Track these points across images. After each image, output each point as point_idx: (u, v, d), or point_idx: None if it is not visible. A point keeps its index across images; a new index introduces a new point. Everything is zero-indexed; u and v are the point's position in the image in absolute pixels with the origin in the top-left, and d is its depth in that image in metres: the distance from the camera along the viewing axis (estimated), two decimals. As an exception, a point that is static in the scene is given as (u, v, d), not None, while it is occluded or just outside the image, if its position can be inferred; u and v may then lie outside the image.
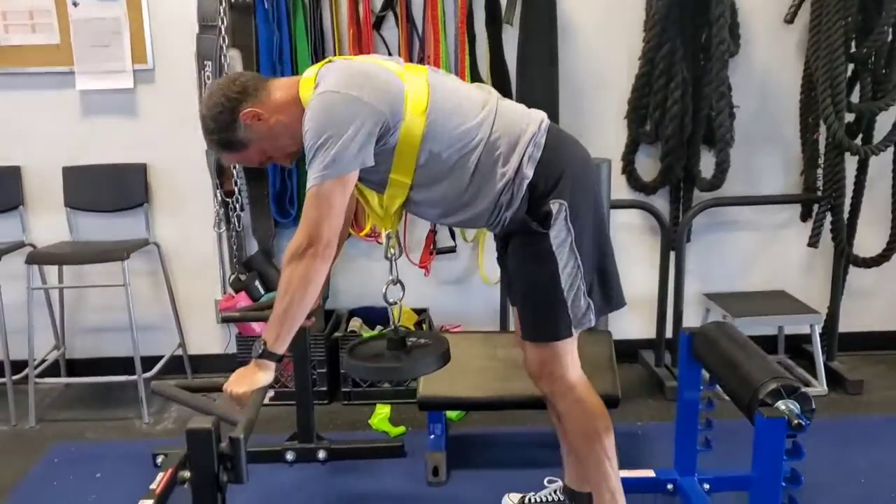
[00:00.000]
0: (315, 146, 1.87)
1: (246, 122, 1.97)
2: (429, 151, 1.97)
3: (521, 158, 1.98)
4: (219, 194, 3.46)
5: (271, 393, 1.98)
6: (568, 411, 2.18)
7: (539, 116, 2.06)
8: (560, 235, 1.99)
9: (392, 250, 2.21)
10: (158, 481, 2.58)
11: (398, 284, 2.23)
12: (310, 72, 2.02)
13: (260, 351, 1.95)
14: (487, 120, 2.00)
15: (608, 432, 2.18)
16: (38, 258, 3.43)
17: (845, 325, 3.63)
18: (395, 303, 2.22)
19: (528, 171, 1.98)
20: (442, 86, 2.03)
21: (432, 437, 2.97)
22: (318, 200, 1.88)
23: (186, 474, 1.60)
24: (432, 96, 1.97)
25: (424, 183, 2.01)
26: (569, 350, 2.11)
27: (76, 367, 3.80)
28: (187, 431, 1.56)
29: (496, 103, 2.05)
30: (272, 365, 1.97)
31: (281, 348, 1.96)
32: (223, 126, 1.99)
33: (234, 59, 3.25)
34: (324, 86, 1.93)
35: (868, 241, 3.55)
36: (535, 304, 2.10)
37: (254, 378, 1.94)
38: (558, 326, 2.06)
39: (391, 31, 3.44)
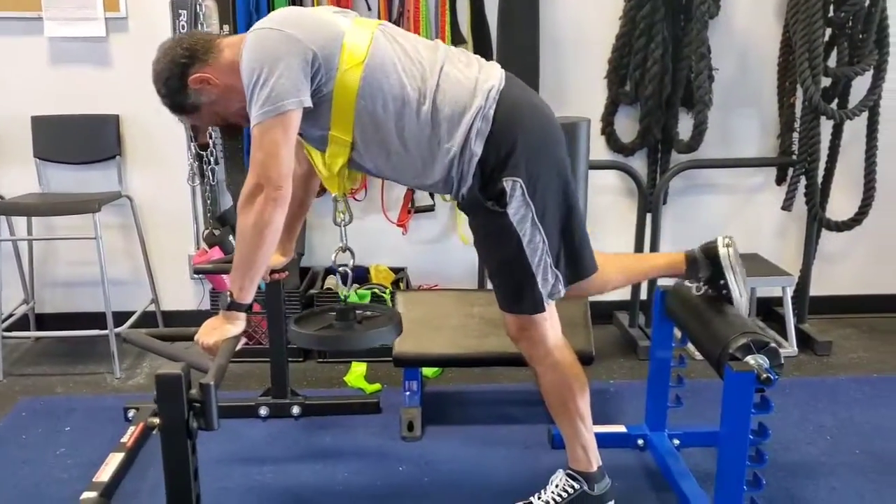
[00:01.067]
0: (251, 84, 1.84)
1: (195, 87, 1.94)
2: (364, 108, 1.90)
3: (468, 133, 1.90)
4: (193, 148, 3.41)
5: (244, 341, 1.96)
6: (544, 373, 2.20)
7: (489, 85, 1.93)
8: (519, 212, 1.95)
9: (341, 215, 2.18)
10: (130, 434, 2.59)
11: (347, 252, 2.23)
12: (255, 27, 1.97)
13: (228, 302, 1.94)
14: (430, 87, 1.91)
15: (583, 392, 2.21)
16: (7, 209, 3.38)
17: (816, 289, 3.68)
18: (345, 270, 2.23)
19: (477, 149, 1.91)
20: (386, 42, 1.94)
21: (407, 393, 2.98)
22: (262, 141, 1.84)
23: (156, 420, 1.59)
24: (372, 49, 1.90)
25: (368, 146, 1.96)
26: (546, 317, 2.11)
27: (46, 321, 3.76)
28: (157, 377, 1.55)
29: (441, 70, 1.93)
30: (242, 315, 1.97)
31: (247, 297, 1.95)
32: (173, 91, 1.96)
33: (209, 9, 3.19)
34: (257, 25, 1.91)
35: (841, 205, 3.58)
36: (504, 281, 2.08)
37: (224, 328, 1.93)
38: (530, 301, 2.05)
39: (371, -16, 3.40)
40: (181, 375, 1.53)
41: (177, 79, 1.94)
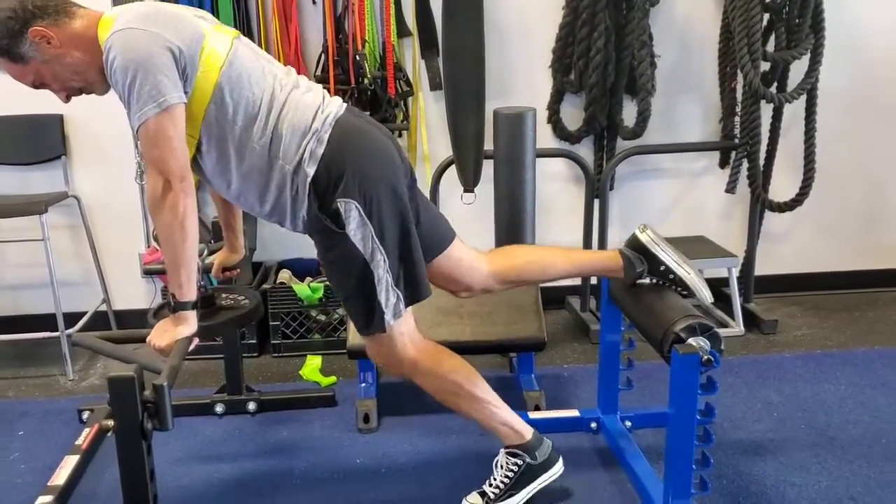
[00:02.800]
0: (127, 85, 1.83)
1: (34, 38, 1.91)
2: (214, 111, 1.93)
3: (302, 154, 1.95)
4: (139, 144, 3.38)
5: (196, 341, 1.97)
6: (423, 383, 2.25)
7: (328, 111, 2.00)
8: (359, 231, 1.98)
9: None
10: (85, 436, 2.58)
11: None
12: (111, 11, 1.96)
13: (173, 305, 1.95)
14: (278, 105, 1.96)
15: (469, 379, 2.25)
16: (-49, 213, 3.30)
17: (761, 269, 3.77)
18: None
19: (309, 169, 1.95)
20: (244, 53, 1.99)
21: (363, 385, 3.00)
22: (153, 139, 1.85)
23: (110, 423, 1.59)
24: (231, 57, 1.94)
25: (210, 149, 1.98)
26: (401, 332, 2.14)
27: (-6, 325, 3.71)
28: (109, 380, 1.55)
29: (290, 91, 2.00)
30: (191, 314, 1.98)
31: (189, 295, 1.96)
32: (8, 32, 1.90)
33: (151, 5, 3.15)
34: (120, 24, 1.89)
35: (782, 187, 3.67)
36: (355, 304, 2.09)
37: (175, 330, 1.94)
38: (376, 319, 2.08)
39: (314, -23, 3.39)
40: (134, 377, 1.54)
41: (19, 23, 1.89)
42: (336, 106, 2.04)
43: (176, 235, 1.88)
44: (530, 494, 2.29)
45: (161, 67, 1.82)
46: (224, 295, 2.45)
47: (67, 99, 2.06)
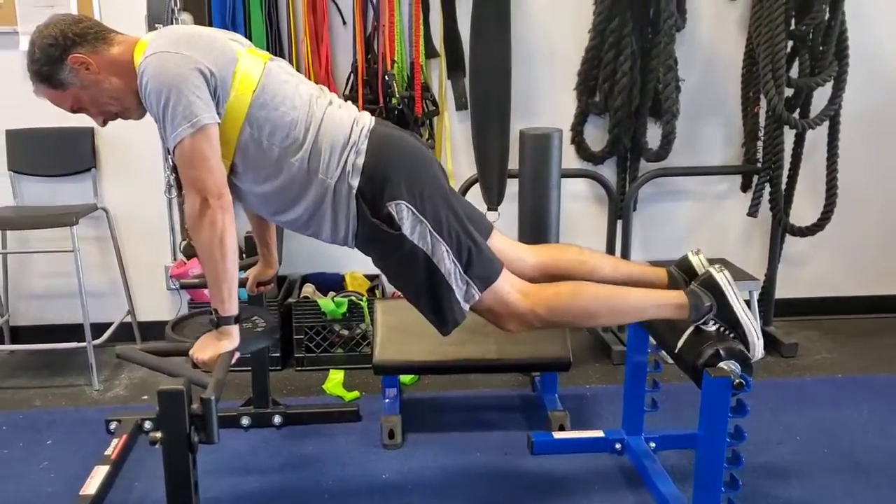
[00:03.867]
0: (161, 107, 1.87)
1: (73, 65, 1.95)
2: (250, 133, 1.97)
3: (344, 167, 1.99)
4: (170, 159, 3.41)
5: (237, 355, 2.00)
6: (552, 320, 2.21)
7: (362, 124, 2.05)
8: (416, 229, 2.02)
9: None
10: (114, 447, 2.61)
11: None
12: (146, 36, 2.01)
13: (216, 320, 1.98)
14: (315, 122, 2.00)
15: (585, 290, 2.18)
16: (-15, 224, 3.36)
17: (781, 292, 3.79)
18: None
19: (353, 181, 1.99)
20: (277, 75, 2.03)
21: (387, 400, 3.03)
22: (189, 159, 1.88)
23: (158, 435, 1.62)
24: (264, 80, 1.98)
25: (246, 169, 2.01)
26: (507, 291, 2.13)
27: (20, 334, 3.75)
28: (159, 393, 1.58)
29: (326, 108, 2.04)
30: (234, 328, 2.01)
31: (233, 310, 1.99)
32: (49, 59, 1.95)
33: (185, 23, 3.21)
34: (153, 48, 1.93)
35: (804, 211, 3.69)
36: (427, 301, 2.12)
37: (219, 344, 1.97)
38: (454, 311, 2.10)
39: (346, -3, 3.44)
40: (184, 391, 1.57)
41: (59, 50, 1.95)
42: (368, 118, 2.09)
43: (216, 252, 1.91)
44: (744, 313, 2.15)
45: (193, 89, 1.86)
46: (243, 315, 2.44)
47: (104, 123, 2.11)
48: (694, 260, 2.29)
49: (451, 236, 2.05)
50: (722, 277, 2.16)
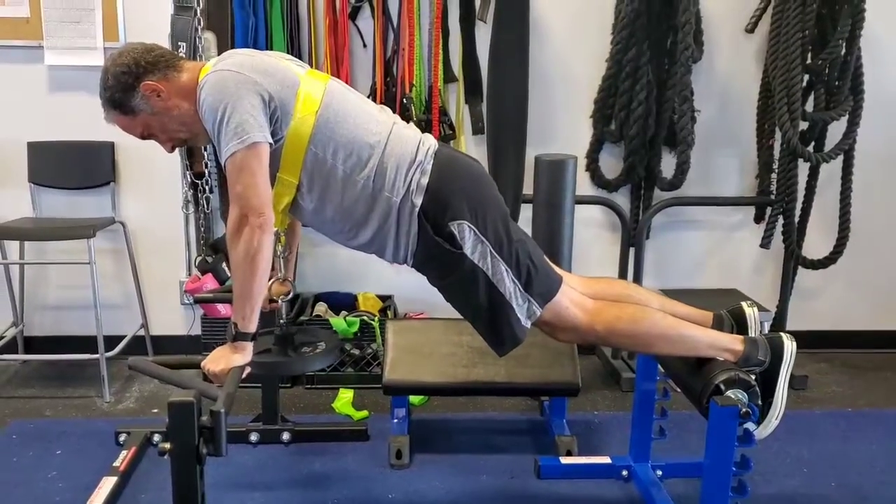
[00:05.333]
0: (216, 122, 1.92)
1: (145, 92, 2.01)
2: (315, 154, 2.00)
3: (409, 186, 2.02)
4: (189, 175, 3.47)
5: (248, 370, 2.02)
6: (607, 339, 2.27)
7: (427, 145, 2.08)
8: (477, 249, 2.04)
9: (279, 247, 2.27)
10: (122, 459, 2.63)
11: (286, 282, 2.33)
12: (212, 61, 2.06)
13: (234, 334, 2.00)
14: (381, 140, 2.04)
15: (648, 316, 2.20)
16: (3, 233, 3.40)
17: (792, 324, 3.77)
18: (278, 301, 2.33)
19: (417, 200, 2.02)
20: (340, 94, 2.07)
21: (395, 421, 3.03)
22: (237, 174, 1.91)
23: (167, 445, 1.64)
24: (326, 99, 2.02)
25: (312, 189, 2.05)
26: (564, 305, 2.15)
27: (33, 344, 3.78)
28: (169, 404, 1.60)
29: (391, 126, 2.08)
30: (248, 345, 2.03)
31: (252, 327, 2.01)
32: (122, 87, 2.01)
33: (208, 42, 3.27)
34: (215, 68, 1.98)
35: (816, 244, 3.70)
36: (486, 322, 2.15)
37: (231, 357, 1.99)
38: (515, 330, 2.13)
39: (367, 21, 3.49)
40: (193, 403, 1.59)
41: (132, 77, 2.00)
42: (432, 140, 2.13)
43: (247, 269, 1.94)
44: (784, 389, 2.18)
45: (248, 108, 1.91)
46: (301, 336, 2.48)
47: (172, 149, 2.17)
48: (748, 311, 2.30)
49: (511, 256, 2.08)
50: (790, 346, 2.19)
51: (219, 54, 3.25)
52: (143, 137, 2.12)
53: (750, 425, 2.15)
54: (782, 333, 2.23)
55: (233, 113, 1.89)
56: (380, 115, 2.11)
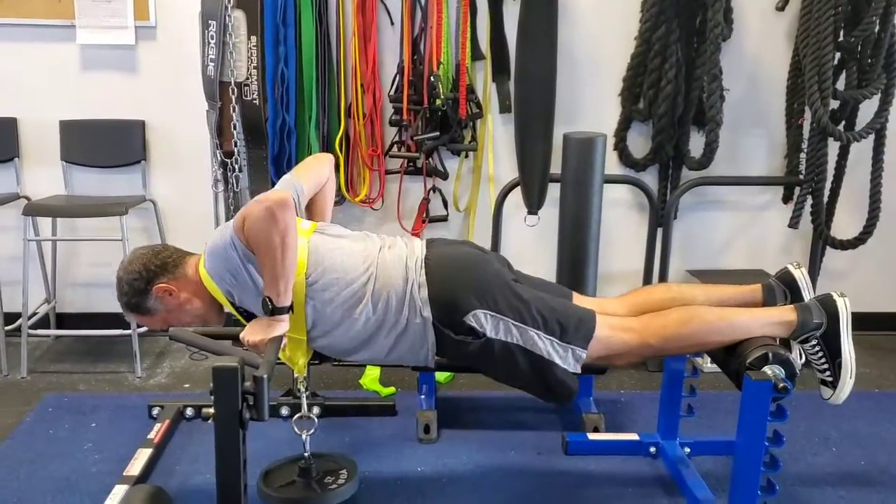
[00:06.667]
0: (222, 254, 2.09)
1: (157, 294, 2.15)
2: (312, 306, 2.11)
3: (413, 304, 2.11)
4: (218, 154, 3.49)
5: (285, 340, 2.06)
6: (664, 349, 2.25)
7: (414, 258, 2.17)
8: (500, 328, 2.11)
9: (300, 386, 2.40)
10: (156, 431, 2.68)
11: (310, 419, 2.42)
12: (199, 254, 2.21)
13: (270, 308, 2.03)
14: (371, 275, 2.13)
15: (693, 315, 2.21)
16: (37, 210, 3.44)
17: (820, 305, 3.77)
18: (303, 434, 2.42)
19: (426, 314, 2.11)
20: (323, 245, 2.16)
21: (423, 396, 3.06)
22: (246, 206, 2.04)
23: (211, 410, 1.67)
24: (311, 258, 2.12)
25: (317, 334, 2.17)
26: (608, 335, 2.18)
27: (65, 320, 3.84)
28: (214, 369, 1.63)
29: (376, 258, 2.16)
30: (284, 317, 2.06)
31: (287, 301, 2.05)
32: (135, 292, 2.16)
33: (238, 20, 3.28)
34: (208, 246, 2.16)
35: (845, 224, 3.68)
36: (538, 385, 2.21)
37: (269, 328, 2.03)
38: (564, 383, 2.18)
39: (395, -1, 3.49)
40: (237, 368, 1.61)
41: (144, 282, 2.15)
42: (419, 247, 2.21)
43: (277, 250, 1.97)
44: (850, 346, 2.20)
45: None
46: (320, 464, 2.53)
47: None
48: (797, 274, 2.31)
49: (535, 318, 2.13)
50: (842, 303, 2.19)
51: (248, 34, 3.30)
52: (161, 329, 2.32)
53: (826, 391, 2.21)
54: (832, 292, 2.22)
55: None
56: (364, 250, 2.19)
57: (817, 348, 2.20)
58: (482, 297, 2.11)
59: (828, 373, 2.21)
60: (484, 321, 2.10)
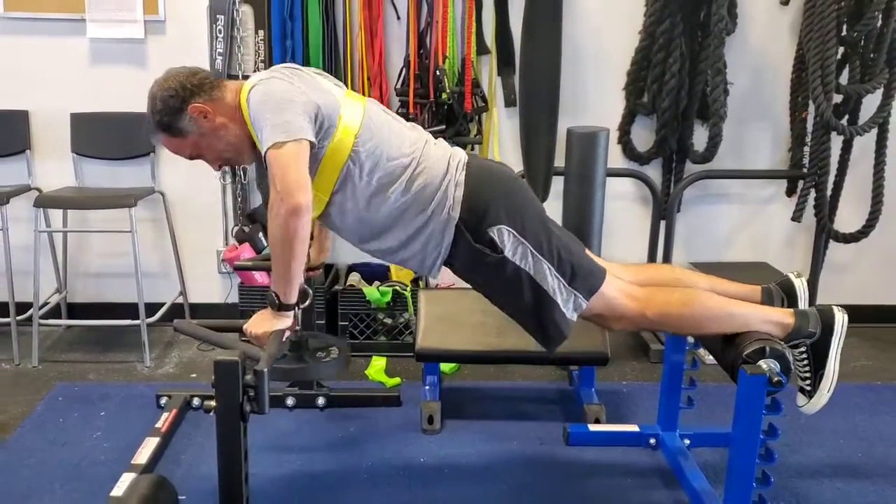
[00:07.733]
0: (263, 112, 1.96)
1: (192, 114, 2.06)
2: (350, 171, 2.07)
3: (445, 200, 2.08)
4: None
5: (289, 333, 2.09)
6: (659, 323, 2.28)
7: (457, 159, 2.15)
8: (517, 251, 2.10)
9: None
10: (164, 420, 2.72)
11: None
12: (252, 79, 2.10)
13: (276, 304, 2.05)
14: (415, 159, 2.10)
15: (697, 299, 2.22)
16: (48, 202, 3.49)
17: (822, 298, 3.77)
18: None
19: (454, 213, 2.08)
20: (377, 116, 2.14)
21: (427, 387, 3.10)
22: (277, 160, 1.92)
23: (212, 403, 1.71)
24: (365, 122, 2.09)
25: (342, 204, 2.11)
26: (612, 296, 2.19)
27: (76, 310, 3.89)
28: (216, 363, 1.67)
29: (423, 145, 2.14)
30: (290, 312, 2.09)
31: (293, 299, 2.07)
32: (170, 110, 2.07)
33: (245, 15, 3.32)
34: (264, 78, 2.05)
35: (848, 217, 3.69)
36: (532, 319, 2.20)
37: (273, 321, 2.05)
38: (559, 326, 2.18)
39: (401, -8, 3.52)
40: (238, 362, 1.65)
41: (180, 100, 2.06)
42: (462, 153, 2.20)
43: (285, 252, 1.98)
44: (836, 361, 2.23)
45: (299, 110, 1.96)
46: (314, 341, 2.53)
47: (219, 168, 2.26)
48: (797, 283, 2.34)
49: (552, 254, 2.13)
50: (841, 319, 2.22)
51: (256, 28, 3.35)
52: (192, 158, 2.19)
53: (801, 398, 2.24)
54: (833, 305, 2.25)
55: (282, 110, 1.95)
56: (411, 133, 2.18)
57: (804, 356, 2.23)
58: (512, 215, 2.10)
59: (808, 381, 2.24)
60: (506, 239, 2.08)
